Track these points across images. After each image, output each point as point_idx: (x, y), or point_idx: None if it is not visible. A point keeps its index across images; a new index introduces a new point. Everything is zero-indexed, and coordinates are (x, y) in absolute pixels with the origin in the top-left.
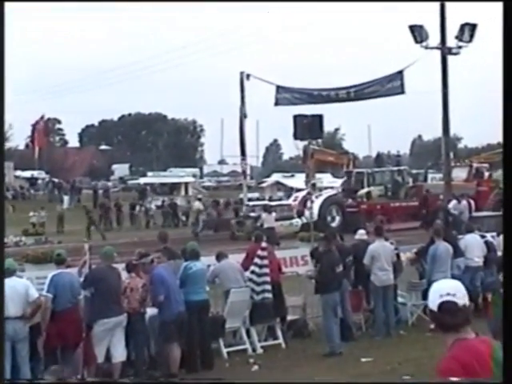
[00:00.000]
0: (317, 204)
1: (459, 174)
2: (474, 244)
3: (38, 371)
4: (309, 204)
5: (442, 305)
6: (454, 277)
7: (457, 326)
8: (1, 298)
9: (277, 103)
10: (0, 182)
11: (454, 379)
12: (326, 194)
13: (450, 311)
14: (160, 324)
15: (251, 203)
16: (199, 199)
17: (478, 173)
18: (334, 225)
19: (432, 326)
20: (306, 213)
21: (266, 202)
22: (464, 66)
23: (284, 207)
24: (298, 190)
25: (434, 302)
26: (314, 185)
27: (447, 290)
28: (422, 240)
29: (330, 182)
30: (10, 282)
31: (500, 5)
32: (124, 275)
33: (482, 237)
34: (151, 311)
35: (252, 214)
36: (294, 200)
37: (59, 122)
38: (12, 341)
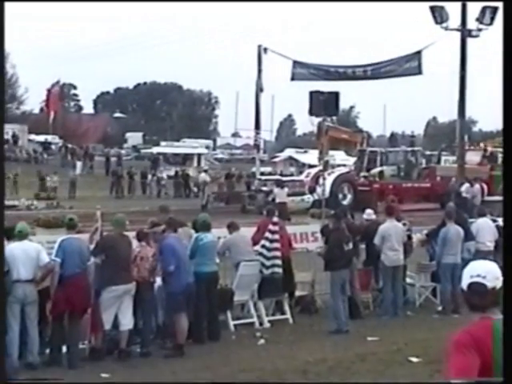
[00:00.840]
0: (329, 181)
1: (473, 157)
2: (485, 228)
3: (46, 335)
4: (321, 181)
5: (471, 285)
6: (463, 260)
7: (484, 307)
8: (1, 297)
9: (293, 78)
10: (0, 183)
11: (455, 380)
12: (338, 171)
13: (478, 292)
14: (168, 294)
15: (263, 177)
16: (205, 171)
17: (491, 157)
18: (345, 203)
19: (439, 309)
20: (318, 189)
21: (278, 177)
22: (483, 48)
23: (296, 183)
24: (311, 167)
25: (465, 281)
26: (326, 162)
27: (478, 271)
28: (433, 222)
29: (342, 160)
30: (22, 246)
31: None
32: (135, 243)
33: (494, 221)
34: (160, 281)
35: (264, 188)
36: (307, 176)
37: (74, 87)
38: (22, 303)
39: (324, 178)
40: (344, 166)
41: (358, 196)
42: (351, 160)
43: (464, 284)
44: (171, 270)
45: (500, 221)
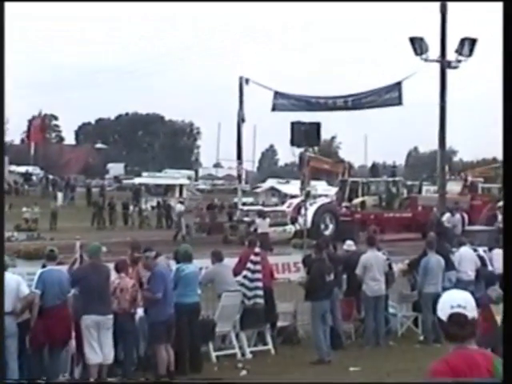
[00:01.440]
0: (311, 211)
1: (453, 187)
2: (467, 257)
3: (26, 368)
4: (303, 211)
5: (452, 316)
6: (444, 290)
7: (463, 337)
8: (1, 297)
9: (274, 109)
10: (0, 185)
11: (450, 379)
12: (320, 201)
13: (460, 323)
14: (151, 324)
15: (245, 208)
16: (181, 202)
17: (472, 186)
18: (327, 233)
19: (421, 338)
20: (300, 220)
21: (260, 207)
22: (463, 80)
23: (278, 213)
24: (293, 197)
25: (444, 311)
26: (308, 192)
27: (459, 301)
28: (415, 251)
29: (324, 190)
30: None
31: (499, 17)
32: (114, 275)
33: (475, 250)
34: (141, 312)
35: (246, 219)
36: (288, 206)
37: (56, 118)
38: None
39: (306, 209)
40: (326, 196)
41: (339, 226)
42: (333, 190)
43: (443, 314)
44: (159, 297)
45: (480, 250)
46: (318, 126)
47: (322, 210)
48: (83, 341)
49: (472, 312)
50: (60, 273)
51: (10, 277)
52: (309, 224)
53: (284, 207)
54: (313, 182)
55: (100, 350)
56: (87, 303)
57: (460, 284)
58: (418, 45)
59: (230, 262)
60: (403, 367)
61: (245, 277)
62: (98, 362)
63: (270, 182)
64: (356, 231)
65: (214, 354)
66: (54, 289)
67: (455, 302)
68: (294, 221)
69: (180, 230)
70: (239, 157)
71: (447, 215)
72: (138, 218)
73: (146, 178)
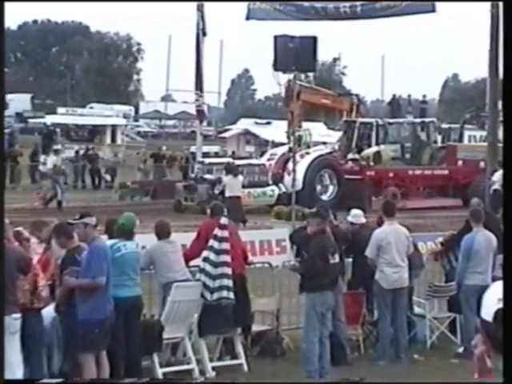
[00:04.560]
0: (302, 166)
1: None
2: None
3: None
4: (290, 166)
5: (498, 312)
6: (495, 279)
7: None
8: (1, 296)
9: (249, 17)
10: (0, 183)
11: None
12: (315, 152)
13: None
14: (78, 325)
15: (207, 160)
16: (56, 151)
17: None
18: (325, 198)
19: (460, 350)
20: (287, 178)
21: (228, 160)
22: None
23: (254, 168)
24: (277, 145)
25: (489, 308)
26: (299, 138)
27: None
28: (453, 226)
29: (322, 136)
30: None
31: None
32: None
33: None
34: (51, 308)
35: (208, 176)
36: (270, 159)
37: None
38: None
39: (295, 162)
40: (324, 144)
41: (344, 188)
42: (335, 136)
43: (487, 313)
44: (103, 282)
45: None
46: (313, 41)
47: (319, 165)
48: None
49: None
50: None
51: None
52: (299, 185)
53: (263, 160)
54: (305, 124)
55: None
56: None
57: None
58: None
59: (185, 237)
60: None
61: (206, 259)
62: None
63: (244, 124)
64: (367, 196)
65: (160, 371)
66: None
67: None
68: (277, 180)
69: (55, 194)
70: (199, 87)
71: (499, 173)
72: (51, 173)
73: (62, 117)
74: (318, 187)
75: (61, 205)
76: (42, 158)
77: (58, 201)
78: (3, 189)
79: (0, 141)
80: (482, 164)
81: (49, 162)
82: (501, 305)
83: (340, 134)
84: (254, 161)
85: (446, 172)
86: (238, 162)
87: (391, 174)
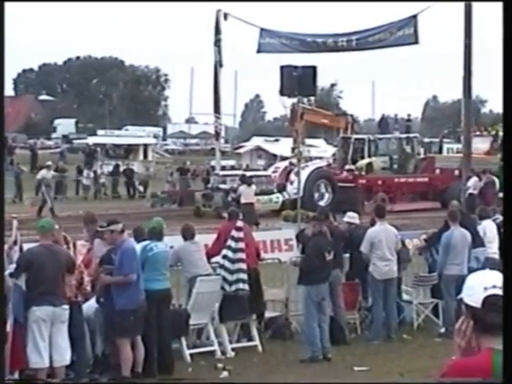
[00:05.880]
0: (302, 177)
1: (480, 144)
2: (492, 232)
3: None
4: (292, 176)
5: (487, 299)
6: (471, 271)
7: (500, 327)
8: (1, 295)
9: (260, 50)
10: (0, 183)
11: (452, 379)
12: (313, 164)
13: (497, 307)
14: (115, 314)
15: (224, 172)
16: (47, 166)
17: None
18: (322, 203)
19: (442, 330)
20: (289, 187)
21: (240, 172)
22: (492, 12)
23: (262, 179)
24: (284, 159)
25: (476, 296)
26: (300, 153)
27: (493, 281)
28: (434, 224)
29: (320, 152)
30: None
31: None
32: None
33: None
34: (92, 300)
35: (222, 186)
36: (275, 171)
37: None
38: None
39: (298, 173)
40: (321, 158)
41: (338, 195)
42: (330, 151)
43: (474, 300)
44: (133, 279)
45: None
46: (313, 70)
47: (316, 175)
48: (29, 340)
49: None
50: None
51: None
52: (301, 192)
53: (269, 172)
54: (308, 141)
55: (47, 351)
56: (38, 294)
57: (489, 263)
58: None
59: (204, 239)
60: (420, 366)
61: (225, 257)
62: (44, 366)
63: (256, 141)
64: (360, 201)
65: (187, 352)
66: None
67: (489, 282)
68: (281, 189)
69: (45, 203)
70: (217, 110)
71: (473, 180)
72: (93, 186)
73: (102, 138)
74: (316, 195)
75: (53, 212)
76: (85, 173)
77: (50, 208)
78: (3, 189)
79: (0, 141)
80: (456, 172)
81: (39, 174)
82: (488, 293)
83: (335, 149)
84: (261, 172)
85: (426, 179)
86: (248, 174)
87: (380, 182)
